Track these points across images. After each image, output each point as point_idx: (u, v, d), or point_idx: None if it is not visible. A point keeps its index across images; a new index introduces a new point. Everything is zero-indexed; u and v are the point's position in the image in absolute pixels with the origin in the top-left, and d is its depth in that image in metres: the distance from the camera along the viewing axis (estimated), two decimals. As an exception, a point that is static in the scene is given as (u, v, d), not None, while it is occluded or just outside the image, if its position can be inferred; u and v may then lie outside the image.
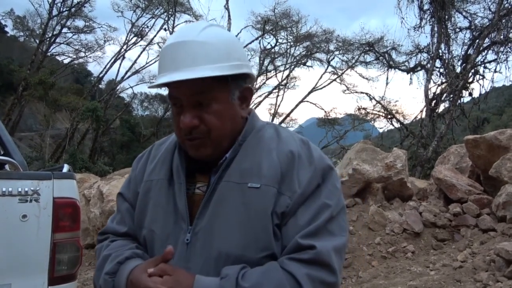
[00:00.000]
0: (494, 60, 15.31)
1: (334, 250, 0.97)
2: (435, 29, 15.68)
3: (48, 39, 23.74)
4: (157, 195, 1.09)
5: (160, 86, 1.05)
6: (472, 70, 15.21)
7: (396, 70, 19.14)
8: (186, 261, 1.00)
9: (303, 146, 1.07)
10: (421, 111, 16.65)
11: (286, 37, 24.56)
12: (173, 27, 21.60)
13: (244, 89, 1.08)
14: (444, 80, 15.92)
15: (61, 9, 23.22)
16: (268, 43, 24.37)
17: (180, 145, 1.10)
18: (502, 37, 14.58)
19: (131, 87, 29.80)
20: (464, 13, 16.05)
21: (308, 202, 0.99)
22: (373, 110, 21.10)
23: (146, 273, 0.96)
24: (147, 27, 25.53)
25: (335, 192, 1.03)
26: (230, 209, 0.99)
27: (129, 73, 26.57)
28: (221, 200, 1.01)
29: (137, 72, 27.07)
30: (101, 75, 27.29)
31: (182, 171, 1.07)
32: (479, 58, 15.36)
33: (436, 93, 15.84)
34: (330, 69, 24.24)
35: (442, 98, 15.59)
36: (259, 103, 24.97)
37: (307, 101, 24.39)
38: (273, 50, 24.55)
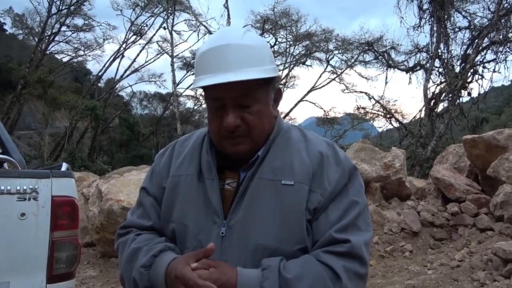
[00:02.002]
0: (493, 60, 15.34)
1: (364, 244, 1.04)
2: (435, 28, 15.69)
3: (47, 37, 23.72)
4: (187, 190, 1.12)
5: (200, 87, 1.09)
6: (471, 70, 15.23)
7: (395, 69, 19.14)
8: (221, 254, 1.03)
9: (329, 148, 1.14)
10: (420, 111, 16.67)
11: (285, 36, 24.57)
12: (173, 26, 21.57)
13: (277, 91, 1.16)
14: (443, 80, 15.93)
15: (60, 7, 23.22)
16: (268, 42, 24.17)
17: (212, 142, 1.14)
18: (501, 37, 14.59)
19: (130, 86, 29.85)
20: (463, 13, 16.08)
21: (338, 199, 1.06)
22: (372, 109, 21.11)
23: (189, 266, 0.98)
24: (146, 25, 25.57)
25: (360, 191, 1.11)
26: (265, 205, 1.04)
27: (128, 72, 26.61)
28: (255, 196, 1.05)
29: (136, 70, 27.11)
30: (100, 74, 27.30)
31: (214, 167, 1.11)
32: (478, 58, 15.38)
33: (435, 92, 15.86)
34: (329, 68, 24.26)
35: (441, 98, 15.61)
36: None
37: (306, 100, 24.42)
38: (272, 49, 24.52)
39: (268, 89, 1.11)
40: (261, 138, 1.10)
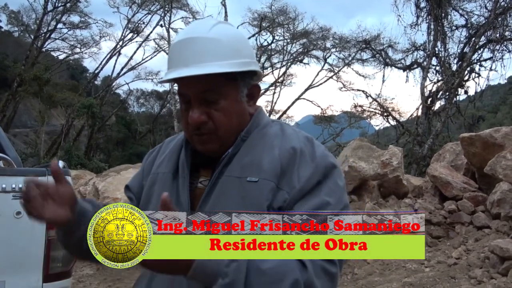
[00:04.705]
0: (489, 58, 15.35)
1: None
2: (432, 27, 15.70)
3: (43, 34, 23.51)
4: (161, 188, 1.11)
5: (168, 82, 1.08)
6: (468, 68, 15.25)
7: (393, 67, 19.12)
8: None
9: (307, 143, 1.07)
10: (417, 109, 16.68)
11: (282, 34, 24.45)
12: (170, 23, 21.46)
13: (252, 87, 1.10)
14: (440, 78, 15.96)
15: (56, 4, 23.00)
16: (265, 40, 24.26)
17: (187, 140, 1.12)
18: (498, 35, 14.63)
19: (127, 84, 29.59)
20: (460, 11, 16.09)
21: (306, 198, 0.99)
22: (369, 107, 21.09)
23: None
24: (143, 23, 25.33)
25: (336, 190, 1.02)
26: (230, 203, 1.00)
27: (125, 70, 26.37)
28: (221, 194, 1.02)
29: (133, 68, 26.88)
30: (96, 71, 27.07)
31: (187, 166, 1.09)
32: (475, 56, 15.41)
33: (432, 91, 15.86)
34: (326, 66, 24.16)
35: (438, 96, 15.62)
36: (256, 100, 24.87)
37: (304, 99, 24.32)
38: (269, 47, 24.48)
39: (238, 84, 1.05)
40: (229, 135, 1.06)
